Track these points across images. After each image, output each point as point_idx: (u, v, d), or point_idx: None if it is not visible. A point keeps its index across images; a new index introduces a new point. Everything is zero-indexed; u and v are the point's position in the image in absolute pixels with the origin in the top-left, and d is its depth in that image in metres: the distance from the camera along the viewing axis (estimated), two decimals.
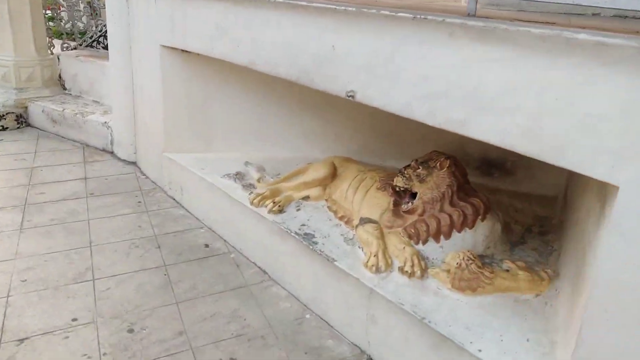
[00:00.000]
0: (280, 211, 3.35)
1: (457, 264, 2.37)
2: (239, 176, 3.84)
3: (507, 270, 2.53)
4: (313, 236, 3.07)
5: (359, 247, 2.91)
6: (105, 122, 5.44)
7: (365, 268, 2.71)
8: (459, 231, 2.67)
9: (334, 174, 3.51)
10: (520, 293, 2.40)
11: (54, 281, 3.18)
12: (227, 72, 4.05)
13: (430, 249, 2.72)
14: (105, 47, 5.78)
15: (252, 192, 3.61)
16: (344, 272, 2.75)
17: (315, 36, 2.66)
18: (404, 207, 2.86)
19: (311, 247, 2.96)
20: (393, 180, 3.02)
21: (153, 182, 4.81)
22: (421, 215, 2.80)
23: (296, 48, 2.79)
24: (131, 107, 5.05)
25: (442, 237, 2.69)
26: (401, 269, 2.62)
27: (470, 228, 2.67)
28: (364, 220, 2.97)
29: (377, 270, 2.67)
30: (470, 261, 2.37)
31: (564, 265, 2.56)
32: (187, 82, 4.16)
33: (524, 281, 2.40)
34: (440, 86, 2.10)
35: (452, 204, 2.72)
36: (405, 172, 2.85)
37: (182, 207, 4.34)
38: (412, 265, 2.60)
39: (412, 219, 2.85)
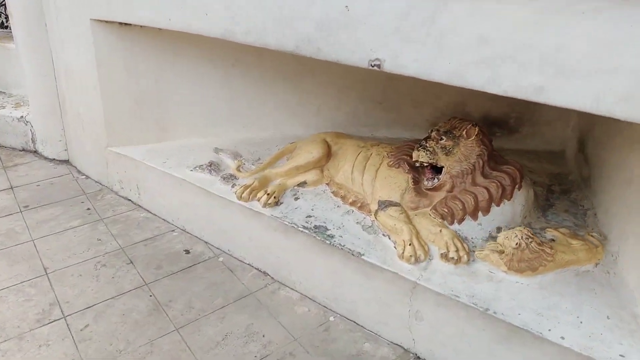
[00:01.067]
0: (277, 203, 2.93)
1: (517, 244, 2.13)
2: (213, 167, 3.33)
3: (553, 240, 2.34)
4: (325, 228, 2.69)
5: (382, 234, 2.58)
6: (22, 116, 4.55)
7: (401, 259, 2.39)
8: (498, 205, 2.43)
9: (328, 154, 3.11)
10: (579, 265, 2.22)
11: (15, 328, 2.54)
12: (182, 45, 3.43)
13: (467, 228, 2.45)
14: (5, 27, 4.81)
15: (234, 185, 3.13)
16: (376, 267, 2.42)
17: None
18: (429, 184, 2.56)
19: (327, 242, 2.59)
20: (407, 156, 2.72)
21: (97, 182, 4.12)
22: (450, 191, 2.52)
23: (292, 11, 2.31)
24: (54, 97, 4.24)
25: (479, 213, 2.44)
26: (444, 256, 2.33)
27: (509, 199, 2.44)
28: (384, 204, 2.63)
29: (417, 260, 2.36)
30: (530, 239, 2.14)
31: (608, 226, 2.42)
32: (131, 62, 3.49)
33: (581, 251, 2.22)
34: (506, 48, 1.75)
35: (484, 175, 2.46)
36: (427, 144, 2.53)
37: (143, 208, 3.74)
38: (457, 250, 2.33)
39: (439, 196, 2.56)
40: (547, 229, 2.45)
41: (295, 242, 2.77)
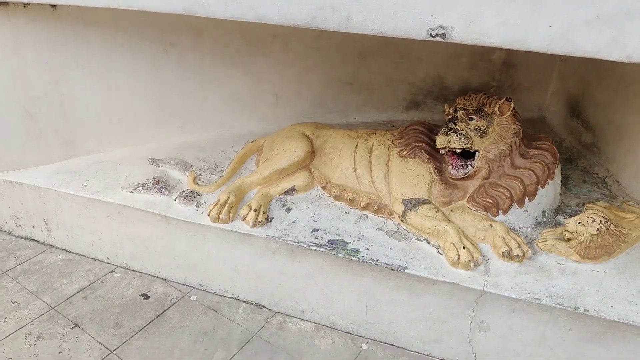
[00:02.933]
0: (267, 219, 2.30)
1: (597, 229, 1.86)
2: (161, 184, 2.53)
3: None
4: (343, 242, 2.16)
5: (417, 239, 2.13)
6: None
7: (455, 267, 1.97)
8: (543, 186, 2.13)
9: (312, 151, 2.55)
10: None
11: None
12: (89, 29, 2.51)
13: (513, 217, 2.11)
14: None
15: (200, 203, 2.41)
16: (426, 281, 1.98)
17: None
18: (459, 172, 2.16)
19: (353, 258, 2.07)
20: (420, 142, 2.29)
21: None
22: (486, 178, 2.16)
23: None
24: None
25: (526, 199, 2.13)
26: (507, 254, 1.97)
27: (552, 179, 2.16)
28: (412, 203, 2.18)
29: (476, 264, 1.98)
30: (609, 222, 1.88)
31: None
32: (15, 59, 2.46)
33: None
34: (629, 3, 1.40)
35: (522, 155, 2.14)
36: (458, 127, 2.13)
37: (57, 248, 2.78)
38: (519, 245, 1.99)
39: (473, 185, 2.18)
40: (586, 205, 2.25)
41: (306, 264, 2.19)
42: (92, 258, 2.71)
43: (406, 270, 2.00)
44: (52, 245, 2.80)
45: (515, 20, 1.50)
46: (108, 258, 2.67)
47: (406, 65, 2.88)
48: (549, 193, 2.16)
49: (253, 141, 2.76)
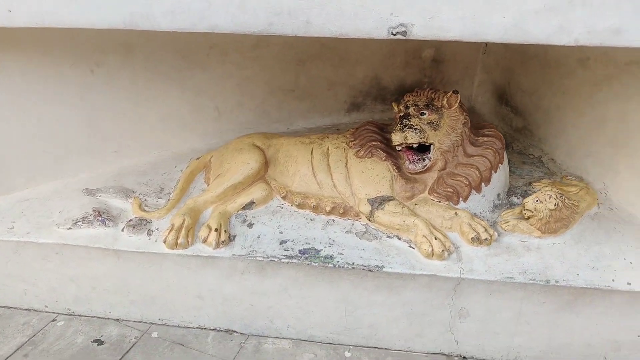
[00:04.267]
0: (230, 238, 2.11)
1: (555, 204, 1.90)
2: (103, 215, 2.23)
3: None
4: (315, 250, 2.03)
5: (387, 237, 2.06)
6: None
7: (430, 258, 1.93)
8: (496, 171, 2.17)
9: (265, 161, 2.39)
10: (589, 210, 2.13)
11: None
12: (7, 57, 2.16)
13: (473, 203, 2.11)
14: None
15: (151, 231, 2.16)
16: (404, 277, 1.91)
17: None
18: (417, 166, 2.13)
19: (329, 264, 1.96)
20: (375, 142, 2.24)
21: None
22: (443, 169, 2.15)
23: None
24: None
25: (482, 185, 2.15)
26: (476, 239, 1.96)
27: (502, 163, 2.21)
28: (377, 201, 2.11)
29: (449, 253, 1.95)
30: (563, 197, 1.93)
31: (580, 167, 2.37)
32: None
33: (588, 196, 2.14)
34: None
35: (472, 143, 2.17)
36: (412, 123, 2.10)
37: None
38: (485, 229, 1.99)
39: (431, 177, 2.17)
40: (533, 184, 2.33)
41: (279, 279, 2.03)
42: (26, 309, 2.33)
43: (383, 269, 1.92)
44: None
45: (472, 14, 1.50)
46: (46, 306, 2.31)
47: (345, 68, 2.84)
48: (501, 177, 2.21)
49: (198, 158, 2.55)
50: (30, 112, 2.33)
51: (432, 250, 1.93)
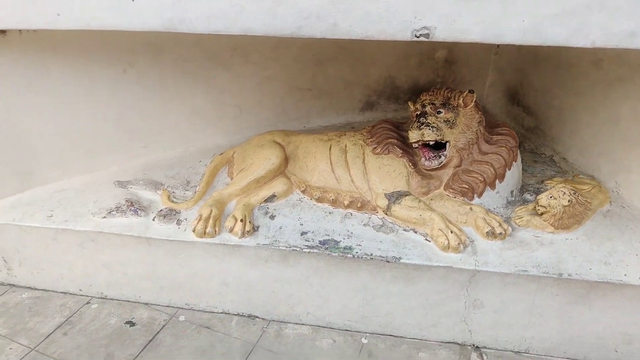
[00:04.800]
0: (254, 228, 2.20)
1: (569, 201, 1.95)
2: (136, 206, 2.34)
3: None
4: (335, 241, 2.10)
5: (404, 230, 2.12)
6: None
7: (446, 251, 1.98)
8: (510, 169, 2.21)
9: (286, 157, 2.47)
10: (601, 207, 2.16)
11: None
12: (44, 54, 2.26)
13: (488, 199, 2.16)
14: None
15: (180, 220, 2.25)
16: (421, 268, 1.97)
17: None
18: (433, 163, 2.19)
19: (348, 255, 2.03)
20: (391, 139, 2.30)
21: None
22: (458, 166, 2.21)
23: None
24: None
25: (497, 181, 2.19)
26: (491, 234, 2.01)
27: (516, 161, 2.25)
28: (394, 196, 2.17)
29: (465, 246, 2.00)
30: (576, 193, 1.98)
31: (592, 166, 2.40)
32: None
33: (597, 194, 2.18)
34: None
35: (487, 141, 2.21)
36: (429, 121, 2.16)
37: (19, 287, 2.47)
38: (500, 224, 2.05)
39: (446, 174, 2.22)
40: (545, 182, 2.37)
41: (301, 267, 2.11)
42: (62, 292, 2.44)
43: (401, 260, 1.99)
44: (13, 285, 2.49)
45: (492, 18, 1.56)
46: (81, 290, 2.42)
47: (360, 68, 2.90)
48: (515, 174, 2.25)
49: (221, 153, 2.63)
50: (65, 109, 2.44)
51: (449, 243, 1.99)
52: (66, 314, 2.29)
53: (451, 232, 2.01)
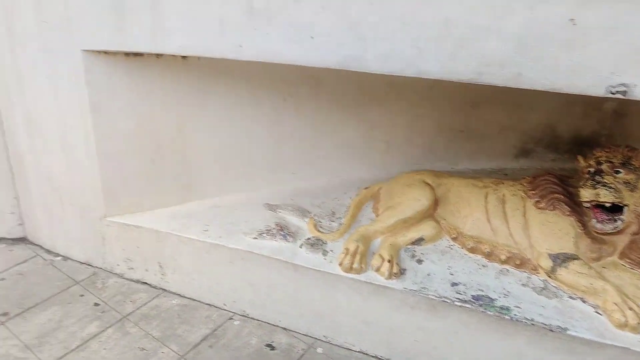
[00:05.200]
0: (401, 271, 2.15)
1: None
2: (285, 231, 2.41)
3: None
4: (489, 298, 1.98)
5: (569, 297, 1.94)
6: None
7: (622, 329, 1.78)
8: None
9: (435, 199, 2.40)
10: None
11: None
12: (215, 80, 2.46)
13: None
14: None
15: (326, 252, 2.27)
16: (590, 344, 1.77)
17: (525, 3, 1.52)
18: (608, 227, 1.98)
19: (505, 316, 1.89)
20: (557, 194, 2.13)
21: (85, 264, 2.88)
22: (636, 233, 1.98)
23: (471, 28, 1.58)
24: (2, 159, 2.93)
25: None
26: None
27: None
28: (560, 258, 2.00)
29: None
30: None
31: None
32: (143, 106, 2.41)
33: None
34: None
35: None
36: (606, 180, 1.97)
37: (170, 292, 2.65)
38: None
39: (622, 240, 2.00)
40: None
41: (450, 320, 2.01)
42: (207, 304, 2.57)
43: (567, 332, 1.81)
44: (164, 289, 2.68)
45: None
46: (225, 304, 2.53)
47: (518, 113, 2.75)
48: None
49: (367, 188, 2.64)
50: (228, 130, 2.60)
51: (626, 320, 1.77)
52: (211, 326, 2.41)
53: (629, 308, 1.79)
